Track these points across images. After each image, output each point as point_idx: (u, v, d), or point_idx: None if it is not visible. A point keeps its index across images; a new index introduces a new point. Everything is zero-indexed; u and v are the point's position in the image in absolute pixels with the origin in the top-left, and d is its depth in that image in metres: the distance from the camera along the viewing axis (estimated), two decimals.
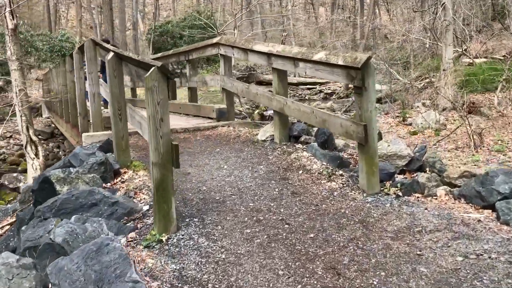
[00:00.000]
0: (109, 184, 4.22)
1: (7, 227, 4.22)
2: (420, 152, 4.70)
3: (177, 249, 3.08)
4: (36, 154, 8.12)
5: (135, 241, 3.22)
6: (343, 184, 4.13)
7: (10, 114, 8.35)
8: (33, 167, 8.00)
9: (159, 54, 9.66)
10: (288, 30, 35.71)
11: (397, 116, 10.21)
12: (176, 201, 3.84)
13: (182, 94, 11.90)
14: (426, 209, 3.61)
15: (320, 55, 4.18)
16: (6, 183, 11.85)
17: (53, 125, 15.45)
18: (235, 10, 14.88)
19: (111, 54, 4.61)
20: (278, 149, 5.13)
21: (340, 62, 3.85)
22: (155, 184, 3.20)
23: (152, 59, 10.13)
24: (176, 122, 6.83)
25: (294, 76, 23.48)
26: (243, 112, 27.95)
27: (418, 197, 3.93)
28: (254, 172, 4.55)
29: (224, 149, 5.43)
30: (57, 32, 32.38)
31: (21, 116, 8.12)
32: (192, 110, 7.58)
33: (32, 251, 2.99)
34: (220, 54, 6.66)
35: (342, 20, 32.64)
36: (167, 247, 3.10)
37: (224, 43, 6.36)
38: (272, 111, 5.84)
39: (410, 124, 9.37)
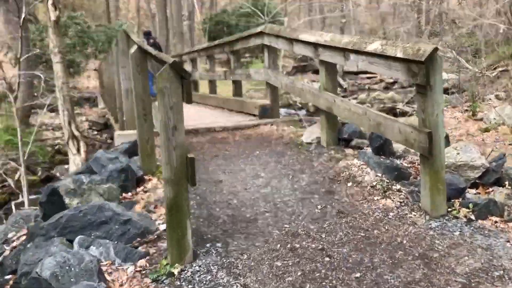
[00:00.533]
0: (130, 193, 3.75)
1: (24, 237, 3.87)
2: (498, 162, 3.85)
3: (190, 286, 2.53)
4: (78, 150, 7.94)
5: (144, 271, 2.71)
6: (400, 202, 3.40)
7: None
8: (75, 163, 7.84)
9: (205, 45, 9.19)
10: (348, 16, 34.35)
11: (466, 110, 9.12)
12: (200, 219, 3.31)
13: (227, 87, 11.46)
14: (508, 241, 2.83)
15: (374, 46, 3.46)
16: (58, 174, 11.97)
17: (107, 116, 15.59)
18: None
19: (134, 47, 4.12)
20: (325, 154, 4.45)
21: (399, 55, 3.12)
22: (167, 204, 2.66)
23: (196, 50, 9.68)
24: (217, 119, 6.32)
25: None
26: (297, 103, 27.27)
27: (496, 222, 3.14)
28: (294, 182, 3.92)
29: (264, 152, 4.83)
30: (115, 22, 33.05)
31: (63, 110, 7.96)
32: (235, 106, 7.03)
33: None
34: (264, 45, 6.03)
35: (405, 4, 30.83)
36: (178, 283, 2.56)
37: (268, 32, 5.72)
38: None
39: (481, 119, 8.29)
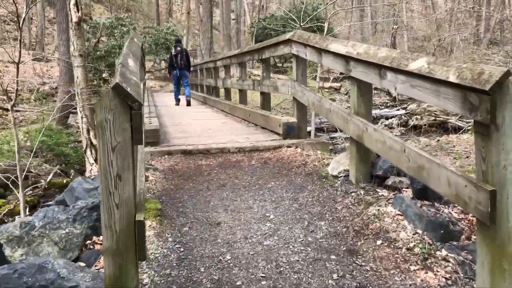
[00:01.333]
0: (99, 239, 3.04)
1: None
2: None
3: None
4: (96, 160, 7.43)
5: None
6: (447, 278, 2.49)
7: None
8: (91, 173, 7.34)
9: (236, 51, 8.46)
10: (400, 22, 32.78)
11: None
12: (177, 282, 2.55)
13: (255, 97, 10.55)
14: None
15: (419, 64, 2.57)
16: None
17: None
18: None
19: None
20: (353, 193, 3.58)
21: (452, 78, 2.22)
22: (106, 284, 1.91)
23: (229, 56, 8.96)
24: (236, 136, 5.55)
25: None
26: None
27: None
28: (309, 232, 3.08)
29: (280, 184, 4.01)
30: (164, 25, 33.14)
31: (81, 117, 7.49)
32: (260, 121, 6.24)
33: None
34: (293, 54, 5.22)
35: (464, 10, 28.90)
36: None
37: (297, 39, 4.91)
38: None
39: None
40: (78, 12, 7.26)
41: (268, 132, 5.77)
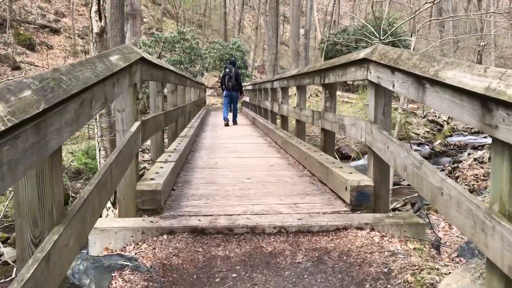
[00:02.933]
0: None
1: None
2: None
3: None
4: (114, 203, 6.01)
5: None
6: None
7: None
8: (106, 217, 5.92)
9: (294, 72, 6.72)
10: (488, 39, 29.51)
11: None
12: None
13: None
14: None
15: None
16: None
17: None
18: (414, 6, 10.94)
19: None
20: None
21: None
22: None
23: (286, 77, 7.26)
24: (279, 199, 3.77)
25: None
26: (421, 137, 23.40)
27: None
28: None
29: None
30: (230, 40, 32.28)
31: (99, 149, 6.12)
32: (319, 171, 4.42)
33: None
34: (370, 82, 3.39)
35: None
36: None
37: (378, 59, 3.08)
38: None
39: None
40: (100, 21, 5.90)
41: (329, 193, 3.93)
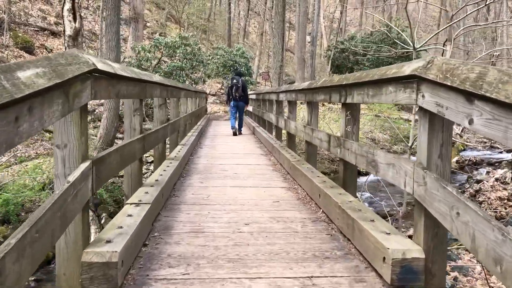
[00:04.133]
0: None
1: None
2: None
3: None
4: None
5: None
6: None
7: None
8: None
9: (305, 84, 5.69)
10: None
11: None
12: None
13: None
14: None
15: None
16: None
17: None
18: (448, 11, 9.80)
19: None
20: None
21: None
22: None
23: (294, 89, 6.24)
24: (286, 270, 2.71)
25: None
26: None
27: None
28: None
29: None
30: (234, 46, 31.31)
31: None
32: (339, 218, 3.39)
33: None
34: (422, 109, 2.37)
35: None
36: None
37: (437, 78, 2.05)
38: None
39: None
40: (74, 21, 4.92)
41: (355, 256, 2.88)
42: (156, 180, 4.20)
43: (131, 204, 3.32)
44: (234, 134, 11.89)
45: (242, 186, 5.17)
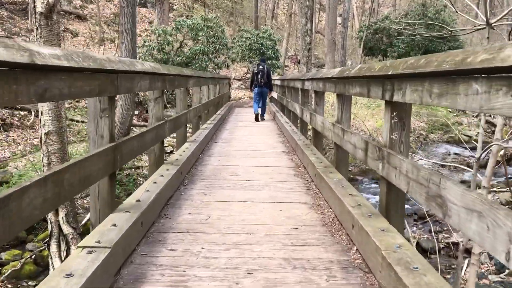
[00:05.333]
0: None
1: None
2: None
3: None
4: (65, 254, 4.08)
5: None
6: None
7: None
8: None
9: (335, 72, 4.54)
10: None
11: None
12: None
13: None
14: None
15: None
16: None
17: None
18: None
19: None
20: None
21: None
22: None
23: (322, 78, 5.14)
24: None
25: None
26: (472, 140, 20.83)
27: None
28: None
29: None
30: (260, 28, 29.98)
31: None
32: (384, 275, 2.33)
33: None
34: None
35: None
36: None
37: None
38: None
39: None
40: None
41: None
42: (138, 201, 3.20)
43: (83, 248, 2.33)
44: (256, 119, 12.11)
45: (254, 200, 4.14)
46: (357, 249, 2.89)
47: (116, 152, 2.95)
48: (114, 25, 29.60)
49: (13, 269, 7.64)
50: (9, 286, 7.48)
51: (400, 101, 2.62)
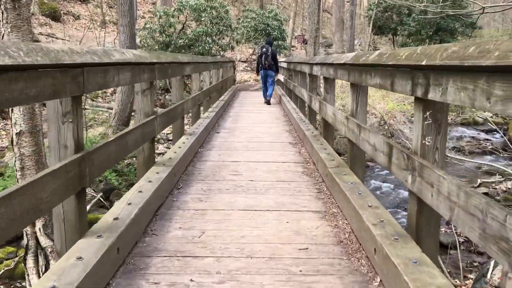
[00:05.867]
0: None
1: None
2: None
3: None
4: (43, 270, 3.61)
5: None
6: None
7: None
8: None
9: (349, 57, 3.93)
10: None
11: None
12: None
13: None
14: None
15: None
16: None
17: None
18: None
19: None
20: None
21: None
22: None
23: (332, 63, 4.54)
24: None
25: None
26: (489, 121, 20.14)
27: None
28: None
29: None
30: (266, 8, 29.06)
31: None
32: None
33: None
34: None
35: None
36: None
37: None
38: None
39: None
40: None
41: None
42: (115, 219, 2.67)
43: None
44: (267, 103, 12.16)
45: (257, 208, 3.59)
46: (381, 280, 2.35)
47: (84, 164, 2.40)
48: (116, 6, 28.90)
49: (6, 268, 7.23)
50: (1, 287, 7.08)
51: (437, 100, 2.04)
